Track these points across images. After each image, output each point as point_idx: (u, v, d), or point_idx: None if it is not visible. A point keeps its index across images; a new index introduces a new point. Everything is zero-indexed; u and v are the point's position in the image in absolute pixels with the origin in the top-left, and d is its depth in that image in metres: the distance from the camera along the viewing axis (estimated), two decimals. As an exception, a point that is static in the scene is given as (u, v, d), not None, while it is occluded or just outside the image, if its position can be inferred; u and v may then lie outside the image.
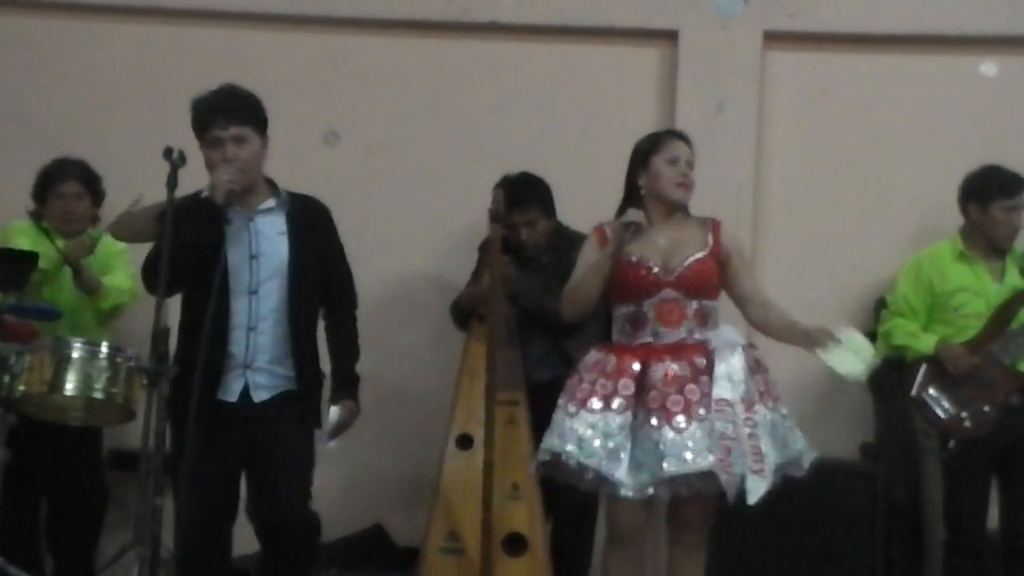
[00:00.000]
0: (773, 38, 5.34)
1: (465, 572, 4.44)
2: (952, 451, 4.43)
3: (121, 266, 4.68)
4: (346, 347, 4.01)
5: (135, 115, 5.32)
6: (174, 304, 3.80)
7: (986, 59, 5.32)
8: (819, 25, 5.35)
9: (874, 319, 4.97)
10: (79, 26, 5.50)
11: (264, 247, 3.84)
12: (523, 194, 4.75)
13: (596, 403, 3.60)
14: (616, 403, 3.59)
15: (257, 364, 3.81)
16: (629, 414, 3.59)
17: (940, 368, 4.48)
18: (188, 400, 3.60)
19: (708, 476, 3.50)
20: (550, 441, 3.64)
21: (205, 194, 3.72)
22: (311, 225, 3.93)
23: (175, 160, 3.60)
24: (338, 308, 4.03)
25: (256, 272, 3.81)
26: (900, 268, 4.74)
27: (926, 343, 4.53)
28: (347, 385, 3.95)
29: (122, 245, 4.49)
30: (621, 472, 3.53)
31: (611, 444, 3.54)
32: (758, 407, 3.60)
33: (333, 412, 3.85)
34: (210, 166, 3.78)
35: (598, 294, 3.78)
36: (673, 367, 3.62)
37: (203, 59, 5.40)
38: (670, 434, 3.50)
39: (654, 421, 3.54)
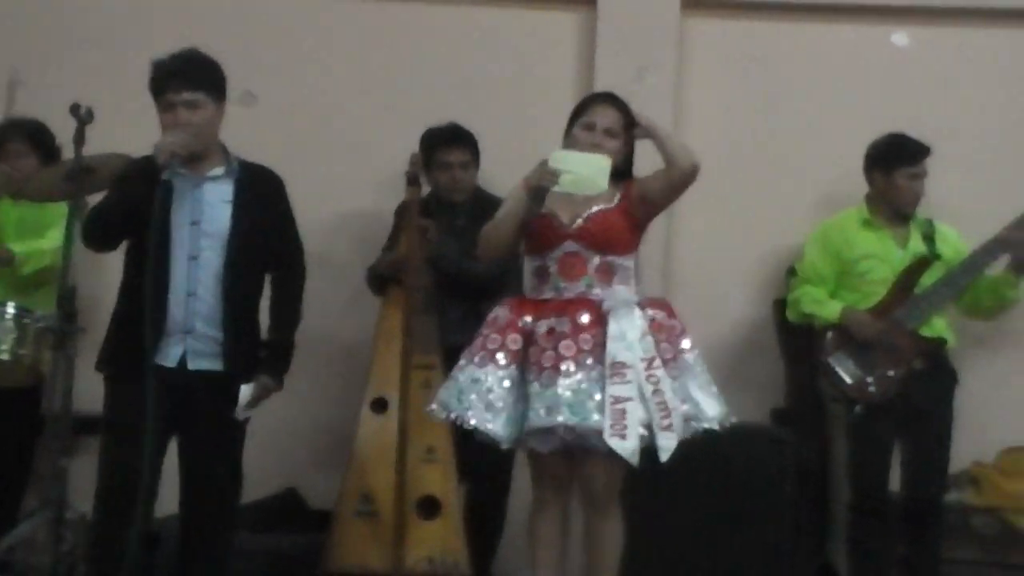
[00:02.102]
0: (692, 5, 5.35)
1: (378, 535, 4.45)
2: (858, 416, 4.50)
3: (59, 227, 4.56)
4: (283, 316, 4.00)
5: (49, 74, 5.22)
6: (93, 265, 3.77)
7: (899, 29, 5.39)
8: (738, -7, 5.39)
9: (787, 287, 5.04)
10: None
11: (207, 213, 3.83)
12: (459, 135, 4.86)
13: (478, 358, 3.69)
14: (500, 357, 3.67)
15: (197, 330, 3.81)
16: (514, 368, 3.66)
17: (846, 334, 4.55)
18: (125, 359, 3.72)
19: (579, 431, 3.54)
20: (438, 393, 3.77)
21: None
22: (260, 195, 3.93)
23: (82, 116, 3.62)
24: (283, 279, 4.04)
25: (196, 238, 3.80)
26: (808, 236, 4.80)
27: (832, 310, 4.59)
28: (271, 359, 3.96)
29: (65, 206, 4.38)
30: (497, 425, 3.61)
31: (490, 398, 3.62)
32: (657, 365, 3.61)
33: (244, 391, 3.85)
34: (164, 129, 3.79)
35: (512, 239, 3.81)
36: (554, 323, 3.65)
37: (119, 16, 5.32)
38: (536, 388, 3.58)
39: (529, 376, 3.62)
